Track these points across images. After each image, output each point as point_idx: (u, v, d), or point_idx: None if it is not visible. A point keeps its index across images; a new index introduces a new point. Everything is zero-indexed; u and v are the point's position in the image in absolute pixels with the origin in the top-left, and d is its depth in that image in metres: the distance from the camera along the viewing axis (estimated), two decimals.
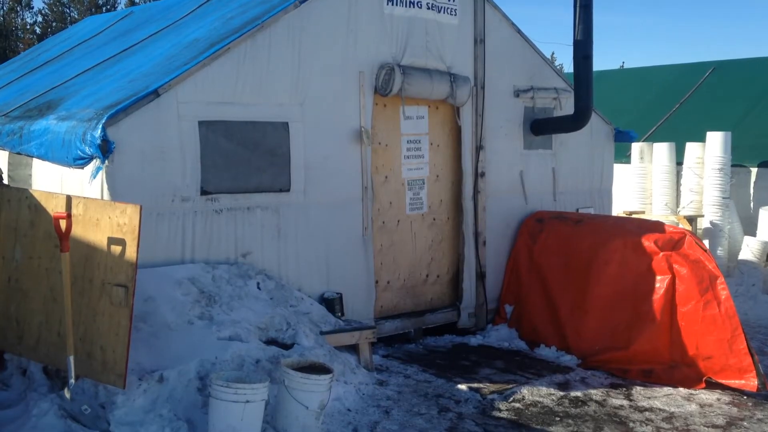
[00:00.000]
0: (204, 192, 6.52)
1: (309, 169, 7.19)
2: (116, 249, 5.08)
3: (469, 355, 7.84)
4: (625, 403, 6.53)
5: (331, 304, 7.21)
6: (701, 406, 6.48)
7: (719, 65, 15.72)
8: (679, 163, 12.48)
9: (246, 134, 6.77)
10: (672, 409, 6.38)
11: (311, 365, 5.59)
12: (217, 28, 7.67)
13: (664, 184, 12.57)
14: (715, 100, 14.64)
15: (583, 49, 8.56)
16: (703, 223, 11.89)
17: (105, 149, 5.79)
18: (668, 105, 15.17)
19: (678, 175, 12.58)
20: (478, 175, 8.64)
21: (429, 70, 8.00)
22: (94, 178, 5.98)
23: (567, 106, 9.35)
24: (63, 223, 5.20)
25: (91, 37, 11.82)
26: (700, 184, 12.06)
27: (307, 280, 7.19)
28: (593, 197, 10.06)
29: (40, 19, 35.74)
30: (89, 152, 5.92)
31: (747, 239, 11.00)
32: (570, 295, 8.01)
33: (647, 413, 6.28)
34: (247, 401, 4.95)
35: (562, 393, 6.69)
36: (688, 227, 11.00)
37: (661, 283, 7.32)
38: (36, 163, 7.23)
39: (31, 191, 5.83)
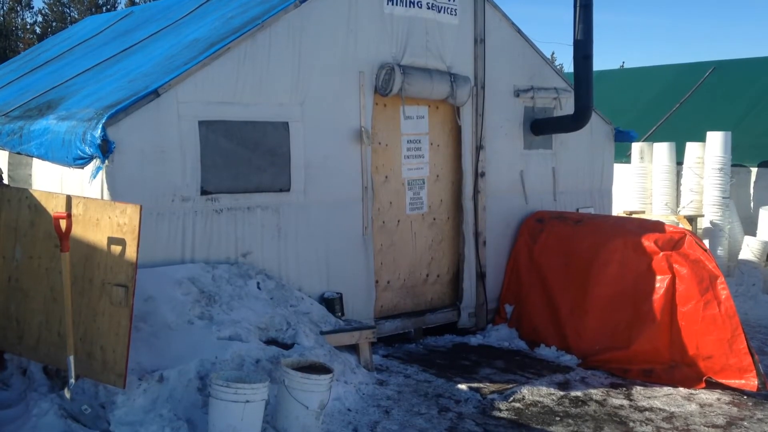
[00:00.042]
0: (204, 192, 6.52)
1: (309, 169, 7.19)
2: (116, 249, 5.08)
3: (469, 354, 7.84)
4: (626, 402, 6.53)
5: (331, 303, 7.21)
6: (701, 405, 6.48)
7: (719, 65, 15.72)
8: (680, 162, 12.49)
9: (246, 134, 6.77)
10: (672, 409, 6.38)
11: (311, 365, 5.59)
12: (217, 28, 7.67)
13: (664, 183, 12.58)
14: (715, 99, 14.64)
15: (583, 48, 8.56)
16: (703, 223, 11.89)
17: (105, 149, 5.79)
18: (668, 105, 15.17)
19: (678, 174, 12.58)
20: (478, 174, 8.64)
21: (429, 70, 8.00)
22: (94, 178, 5.98)
23: (567, 106, 9.35)
24: (63, 223, 5.20)
25: (91, 37, 11.82)
26: (700, 183, 12.06)
27: (307, 280, 7.19)
28: (593, 197, 10.06)
29: (40, 19, 35.77)
30: (89, 152, 5.92)
31: (747, 239, 11.00)
32: (570, 294, 8.01)
33: (647, 413, 6.28)
34: (247, 401, 4.95)
35: (562, 393, 6.69)
36: (688, 227, 11.00)
37: (661, 282, 7.32)
38: (36, 163, 7.23)
39: (31, 191, 5.83)
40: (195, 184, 6.45)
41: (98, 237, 5.18)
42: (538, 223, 8.81)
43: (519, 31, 9.06)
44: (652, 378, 7.12)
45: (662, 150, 12.62)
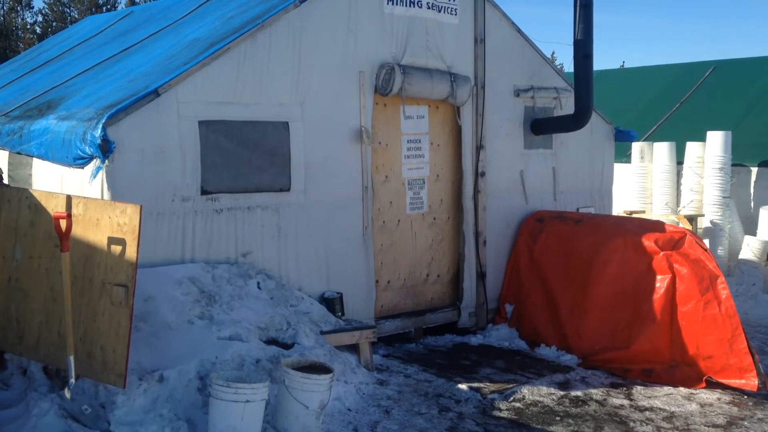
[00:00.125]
0: (204, 192, 6.51)
1: (309, 169, 7.19)
2: (116, 249, 5.08)
3: (470, 354, 7.84)
4: (626, 402, 6.53)
5: (332, 303, 7.21)
6: (702, 405, 6.48)
7: (719, 65, 15.72)
8: (680, 162, 12.49)
9: (246, 134, 6.77)
10: (672, 409, 6.37)
11: (311, 365, 5.59)
12: (217, 28, 7.67)
13: (665, 183, 12.57)
14: (716, 99, 14.64)
15: (583, 48, 8.55)
16: (703, 223, 11.89)
17: (105, 149, 5.79)
18: (668, 104, 15.17)
19: (678, 174, 12.58)
20: (478, 174, 8.64)
21: (429, 70, 8.00)
22: (94, 177, 5.98)
23: (567, 106, 9.35)
24: (63, 223, 5.20)
25: (91, 37, 11.82)
26: (701, 183, 12.06)
27: (308, 280, 7.19)
28: (593, 197, 10.06)
29: (40, 18, 35.76)
30: (89, 152, 5.91)
31: (747, 239, 11.00)
32: (570, 294, 8.01)
33: (648, 413, 6.28)
34: (247, 401, 4.95)
35: (562, 392, 6.69)
36: (688, 227, 11.00)
37: (661, 282, 7.32)
38: (36, 162, 7.23)
39: (31, 191, 5.83)
40: (195, 183, 6.45)
41: (98, 237, 5.18)
42: (539, 222, 8.81)
43: (519, 30, 9.06)
44: (652, 378, 7.12)
45: (662, 150, 12.62)
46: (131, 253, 5.01)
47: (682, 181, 12.41)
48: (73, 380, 5.14)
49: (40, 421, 5.09)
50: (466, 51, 8.51)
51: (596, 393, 6.73)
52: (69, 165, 6.30)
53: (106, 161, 5.86)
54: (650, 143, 12.96)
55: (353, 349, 6.86)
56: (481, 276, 8.72)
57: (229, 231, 6.68)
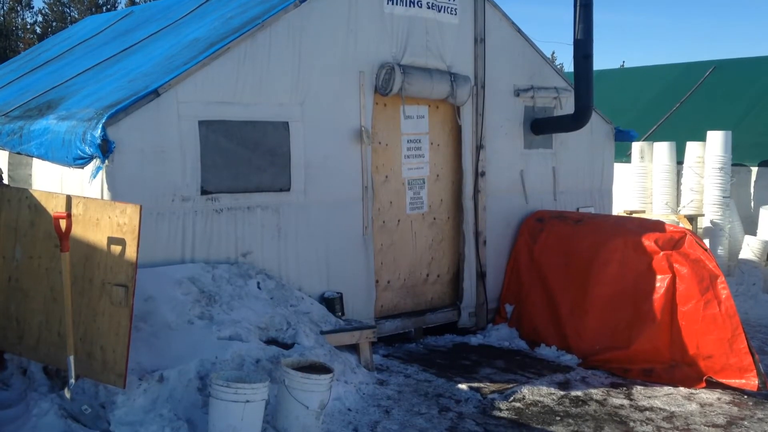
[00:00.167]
0: (204, 192, 6.51)
1: (309, 169, 7.19)
2: (116, 249, 5.08)
3: (470, 354, 7.84)
4: (626, 402, 6.53)
5: (332, 303, 7.21)
6: (702, 405, 6.47)
7: (719, 64, 15.72)
8: (680, 162, 12.49)
9: (246, 134, 6.77)
10: (672, 409, 6.37)
11: (311, 365, 5.59)
12: (217, 28, 7.67)
13: (665, 183, 12.57)
14: (716, 99, 14.64)
15: (583, 48, 8.55)
16: (703, 223, 11.89)
17: (105, 149, 5.79)
18: (668, 104, 15.17)
19: (678, 174, 12.58)
20: (478, 174, 8.64)
21: (429, 70, 8.00)
22: (94, 177, 5.98)
23: (567, 106, 9.35)
24: (63, 223, 5.20)
25: (91, 37, 11.82)
26: (701, 183, 12.06)
27: (308, 280, 7.19)
28: (593, 196, 10.06)
29: (40, 18, 35.76)
30: (89, 152, 5.91)
31: (747, 238, 11.00)
32: (570, 294, 8.01)
33: (648, 413, 6.28)
34: (247, 401, 4.95)
35: (562, 392, 6.69)
36: (688, 226, 11.00)
37: (661, 282, 7.32)
38: (36, 162, 7.23)
39: (31, 191, 5.83)
40: (195, 183, 6.45)
41: (98, 237, 5.18)
42: (539, 222, 8.81)
43: (519, 30, 9.06)
44: (652, 378, 7.12)
45: (662, 149, 12.62)
46: (131, 253, 5.01)
47: (682, 181, 12.41)
48: (73, 380, 5.14)
49: (40, 421, 5.09)
50: (466, 51, 8.51)
51: (596, 393, 6.73)
52: (69, 165, 6.30)
53: (106, 161, 5.86)
54: (650, 143, 12.96)
55: (353, 349, 6.86)
56: (481, 276, 8.72)
57: (229, 231, 6.68)
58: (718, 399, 6.62)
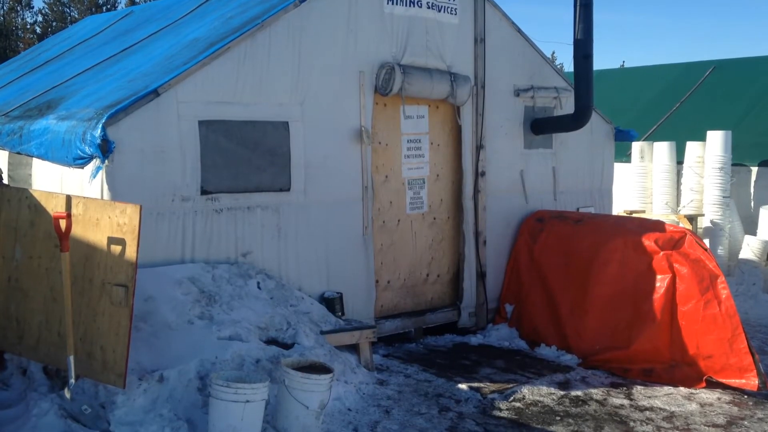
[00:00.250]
0: (204, 191, 6.51)
1: (309, 169, 7.18)
2: (116, 249, 5.08)
3: (470, 354, 7.84)
4: (626, 402, 6.53)
5: (332, 303, 7.20)
6: (702, 405, 6.47)
7: (719, 64, 15.71)
8: (680, 162, 12.49)
9: (246, 134, 6.77)
10: (672, 409, 6.37)
11: (311, 365, 5.59)
12: (216, 28, 7.67)
13: (665, 183, 12.58)
14: (716, 99, 14.64)
15: (583, 48, 8.55)
16: (703, 222, 11.89)
17: (105, 149, 5.79)
18: (668, 104, 15.17)
19: (678, 174, 12.58)
20: (478, 174, 8.64)
21: (429, 70, 7.99)
22: (94, 177, 5.98)
23: (567, 106, 9.35)
24: (63, 223, 5.20)
25: (91, 37, 11.82)
26: (701, 183, 12.06)
27: (308, 280, 7.19)
28: (593, 196, 10.06)
29: (40, 18, 35.77)
30: (89, 152, 5.91)
31: (747, 238, 11.00)
32: (570, 294, 8.01)
33: (648, 412, 6.28)
34: (247, 401, 4.95)
35: (562, 392, 6.69)
36: (688, 226, 11.00)
37: (661, 282, 7.32)
38: (36, 162, 7.23)
39: (31, 191, 5.83)
40: (195, 183, 6.45)
41: (98, 237, 5.18)
42: (539, 222, 8.81)
43: (519, 30, 9.06)
44: (652, 377, 7.12)
45: (662, 149, 12.62)
46: (131, 253, 5.01)
47: (682, 180, 12.41)
48: (73, 380, 5.14)
49: (40, 421, 5.09)
50: (466, 51, 8.51)
51: (596, 393, 6.73)
52: (69, 165, 6.30)
53: (106, 161, 5.86)
54: (650, 143, 12.96)
55: (353, 349, 6.86)
56: (481, 276, 8.72)
57: (229, 231, 6.68)
58: (718, 399, 6.62)
